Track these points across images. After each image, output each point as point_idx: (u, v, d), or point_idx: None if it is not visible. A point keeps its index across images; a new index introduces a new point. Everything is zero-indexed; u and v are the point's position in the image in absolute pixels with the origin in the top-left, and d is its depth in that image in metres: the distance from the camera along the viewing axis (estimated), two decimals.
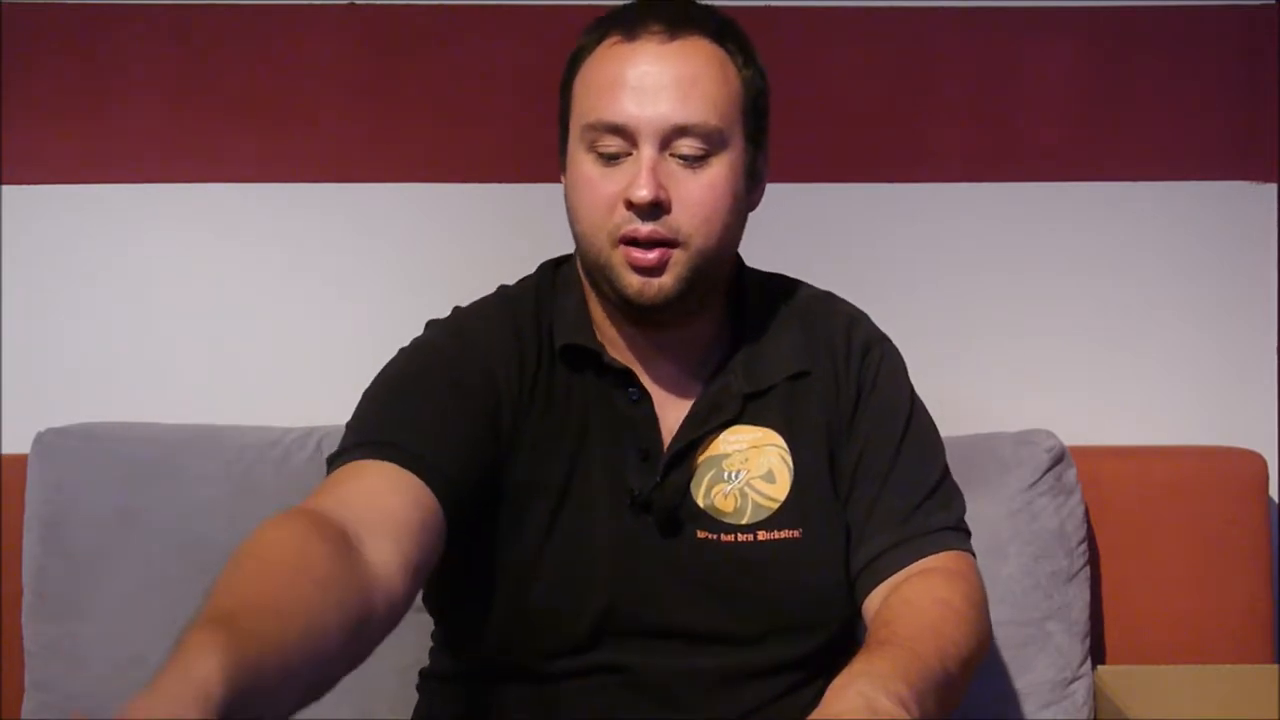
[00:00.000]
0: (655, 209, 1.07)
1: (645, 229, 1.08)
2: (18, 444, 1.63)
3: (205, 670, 0.71)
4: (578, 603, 1.11)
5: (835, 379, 1.19)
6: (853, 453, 1.18)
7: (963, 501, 1.20)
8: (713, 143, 1.09)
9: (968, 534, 1.18)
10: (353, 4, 1.76)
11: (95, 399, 1.69)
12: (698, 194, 1.09)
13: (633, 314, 1.13)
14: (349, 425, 1.10)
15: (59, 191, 1.75)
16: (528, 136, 1.68)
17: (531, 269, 1.31)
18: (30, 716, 1.54)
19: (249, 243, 1.77)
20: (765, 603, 1.13)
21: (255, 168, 1.76)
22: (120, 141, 1.76)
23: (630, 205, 1.08)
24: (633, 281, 1.09)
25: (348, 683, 1.51)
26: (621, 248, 1.09)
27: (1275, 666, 1.57)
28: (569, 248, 1.27)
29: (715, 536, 1.13)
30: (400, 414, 1.08)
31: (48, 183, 1.75)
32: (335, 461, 1.06)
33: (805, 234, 1.76)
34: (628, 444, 1.14)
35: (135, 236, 1.76)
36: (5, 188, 1.74)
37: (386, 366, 1.15)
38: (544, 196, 1.66)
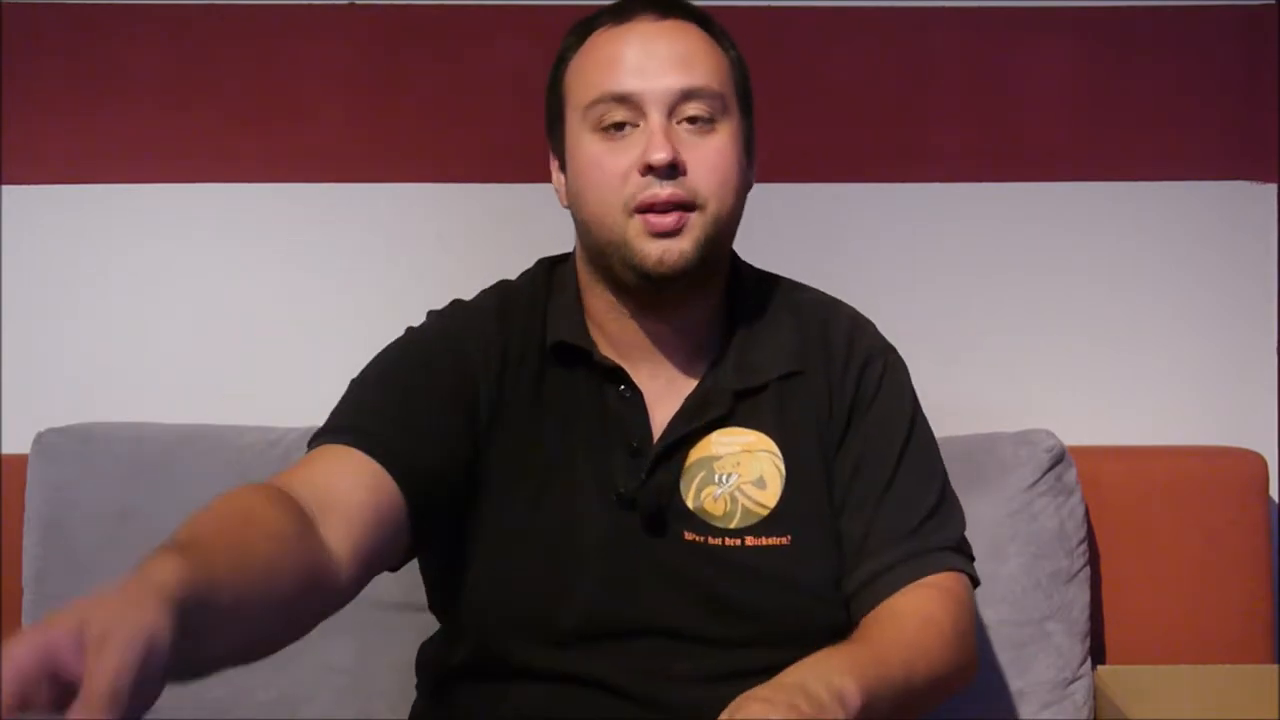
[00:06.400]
0: (673, 169, 1.07)
1: (665, 191, 1.07)
2: (18, 444, 1.63)
3: (164, 576, 0.73)
4: (562, 591, 1.10)
5: (829, 382, 1.17)
6: (848, 463, 1.16)
7: (962, 517, 1.19)
8: (717, 108, 1.11)
9: (969, 555, 1.17)
10: (353, 4, 1.76)
11: (95, 399, 1.69)
12: (712, 157, 1.10)
13: (647, 289, 1.12)
14: (333, 410, 1.12)
15: (59, 191, 1.75)
16: (528, 136, 1.67)
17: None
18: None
19: (249, 243, 1.77)
20: (750, 608, 1.11)
21: (255, 168, 1.76)
22: (120, 141, 1.76)
23: (648, 169, 1.07)
24: (652, 250, 1.08)
25: (348, 683, 1.52)
26: (638, 216, 1.08)
27: (1275, 666, 1.57)
28: (569, 248, 1.27)
29: (703, 539, 1.11)
30: (374, 402, 1.10)
31: (48, 183, 1.75)
32: (312, 443, 1.08)
33: (805, 234, 1.76)
34: (616, 439, 1.14)
35: (135, 236, 1.76)
36: (5, 188, 1.75)
37: (376, 356, 1.17)
38: (544, 196, 1.66)
